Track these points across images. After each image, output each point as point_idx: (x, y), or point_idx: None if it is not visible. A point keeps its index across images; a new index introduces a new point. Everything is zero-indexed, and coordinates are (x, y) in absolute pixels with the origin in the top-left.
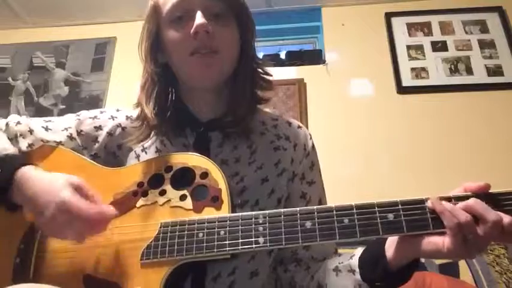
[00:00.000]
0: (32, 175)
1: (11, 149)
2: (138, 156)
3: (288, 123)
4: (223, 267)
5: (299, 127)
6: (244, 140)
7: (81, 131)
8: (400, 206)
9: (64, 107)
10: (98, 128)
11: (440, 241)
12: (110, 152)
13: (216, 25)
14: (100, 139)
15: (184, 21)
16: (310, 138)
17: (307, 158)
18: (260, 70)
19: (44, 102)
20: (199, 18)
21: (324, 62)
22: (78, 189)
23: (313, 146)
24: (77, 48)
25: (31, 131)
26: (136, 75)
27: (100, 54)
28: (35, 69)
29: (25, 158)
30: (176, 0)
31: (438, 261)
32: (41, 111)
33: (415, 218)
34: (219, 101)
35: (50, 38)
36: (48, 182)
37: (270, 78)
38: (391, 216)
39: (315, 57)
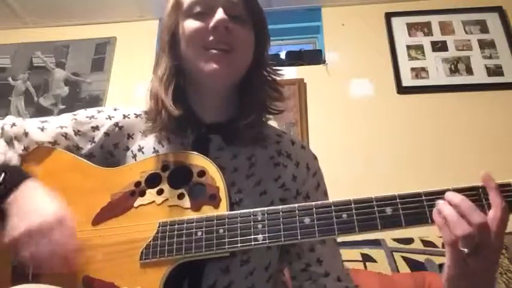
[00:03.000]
0: (30, 193)
1: (14, 159)
2: (135, 156)
3: (292, 141)
4: (219, 279)
5: (302, 147)
6: (245, 150)
7: (79, 131)
8: (398, 200)
9: (64, 107)
10: (95, 128)
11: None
12: (107, 151)
13: (234, 24)
14: (96, 139)
15: (204, 15)
16: (315, 159)
17: (313, 178)
18: (272, 80)
19: (44, 102)
20: (220, 14)
21: (324, 62)
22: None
23: (319, 168)
24: (77, 48)
25: (26, 134)
26: (136, 75)
27: (100, 54)
28: (35, 69)
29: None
30: None
31: (438, 261)
32: (41, 111)
33: (413, 211)
34: (226, 107)
35: (50, 38)
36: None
37: (281, 89)
38: (389, 210)
39: (315, 57)
